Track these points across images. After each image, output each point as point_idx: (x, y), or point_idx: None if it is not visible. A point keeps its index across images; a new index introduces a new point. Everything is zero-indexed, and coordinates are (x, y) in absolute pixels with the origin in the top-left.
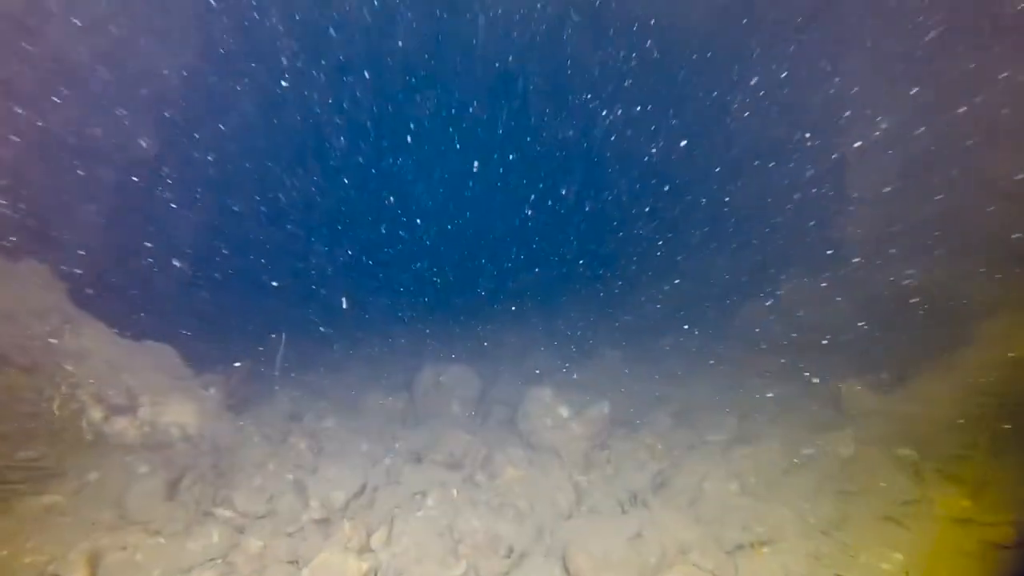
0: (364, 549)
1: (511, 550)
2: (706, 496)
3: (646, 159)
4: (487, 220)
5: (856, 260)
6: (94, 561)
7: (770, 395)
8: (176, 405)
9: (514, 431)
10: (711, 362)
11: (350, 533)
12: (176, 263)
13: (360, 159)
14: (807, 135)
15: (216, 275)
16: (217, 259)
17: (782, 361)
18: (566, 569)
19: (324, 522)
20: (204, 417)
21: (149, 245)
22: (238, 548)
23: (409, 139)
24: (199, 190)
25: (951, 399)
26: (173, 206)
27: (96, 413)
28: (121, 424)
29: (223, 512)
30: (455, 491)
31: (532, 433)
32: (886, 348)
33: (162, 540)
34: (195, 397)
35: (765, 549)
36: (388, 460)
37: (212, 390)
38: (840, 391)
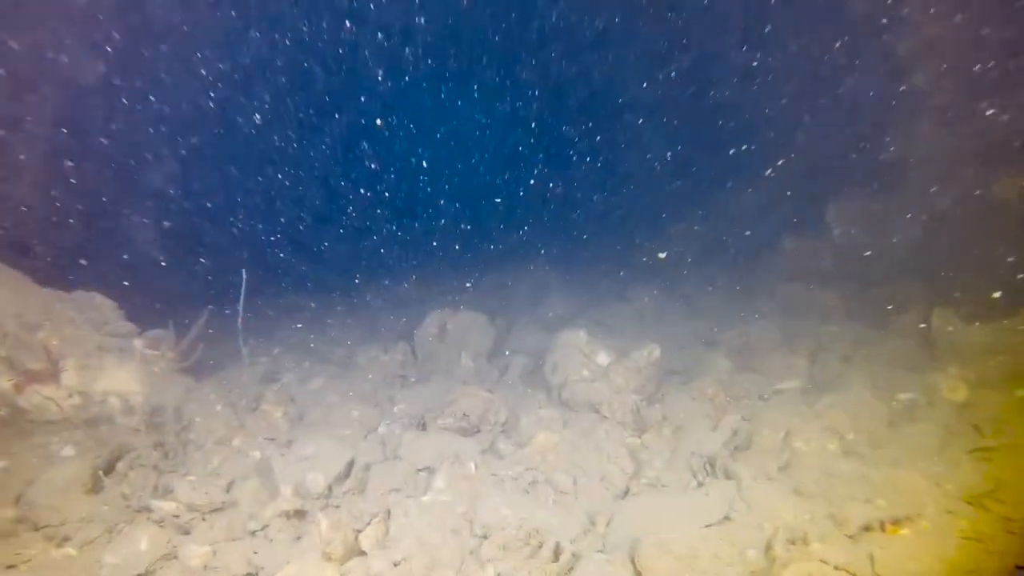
0: (351, 554)
1: (557, 549)
2: (801, 459)
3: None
4: (496, 165)
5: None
6: None
7: (834, 329)
8: (114, 369)
9: (541, 385)
10: (757, 300)
11: (331, 531)
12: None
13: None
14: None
15: (171, 215)
16: (174, 197)
17: (841, 294)
18: (638, 574)
19: (297, 516)
20: (151, 383)
21: (73, 181)
22: (173, 560)
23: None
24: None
25: None
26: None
27: (3, 382)
28: (40, 395)
29: (163, 506)
30: (473, 465)
31: (564, 387)
32: (965, 272)
33: (71, 551)
34: (139, 358)
35: (903, 530)
36: (384, 428)
37: (162, 349)
38: (929, 322)
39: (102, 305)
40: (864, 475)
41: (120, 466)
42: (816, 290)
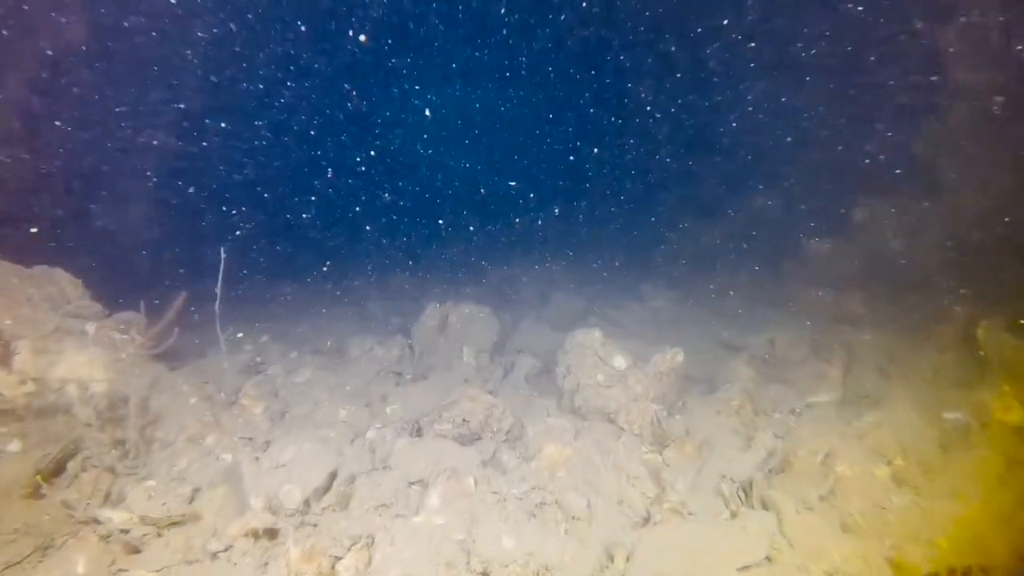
0: None
1: None
2: (846, 487)
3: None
4: (506, 153)
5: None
6: None
7: (867, 338)
8: (74, 354)
9: (550, 389)
10: (780, 304)
11: (302, 562)
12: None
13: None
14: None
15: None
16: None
17: (869, 300)
18: None
19: (267, 535)
20: (116, 370)
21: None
22: None
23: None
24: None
25: None
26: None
27: None
28: None
29: (112, 517)
30: (472, 481)
31: (577, 392)
32: (1003, 280)
33: None
34: (105, 342)
35: None
36: (373, 432)
37: (132, 333)
38: (973, 334)
39: (64, 282)
40: (921, 509)
41: (71, 466)
42: (844, 295)
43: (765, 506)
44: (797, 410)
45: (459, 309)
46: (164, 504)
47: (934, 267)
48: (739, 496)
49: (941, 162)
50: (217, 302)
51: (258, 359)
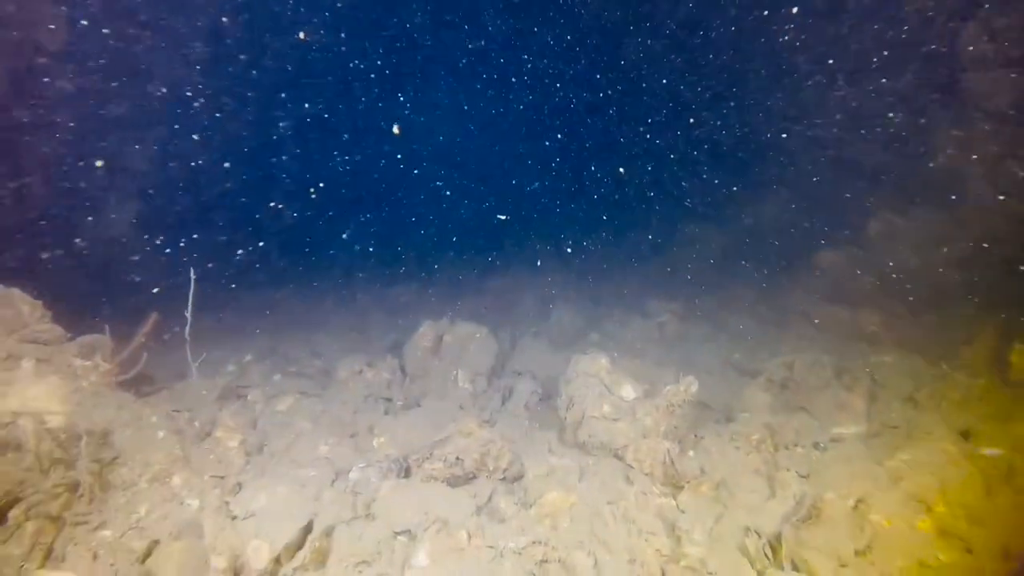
0: None
1: None
2: (885, 542)
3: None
4: (502, 158)
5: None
6: None
7: (888, 360)
8: (29, 384)
9: (552, 419)
10: (792, 321)
11: None
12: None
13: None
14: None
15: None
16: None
17: (887, 318)
18: None
19: None
20: (77, 401)
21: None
22: None
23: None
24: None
25: None
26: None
27: None
28: None
29: None
30: (465, 534)
31: (581, 425)
32: None
33: None
34: (63, 370)
35: None
36: (357, 472)
37: (96, 358)
38: (1005, 357)
39: (21, 304)
40: (973, 571)
41: (14, 514)
42: (860, 312)
43: (796, 567)
44: (821, 444)
45: (455, 329)
46: (112, 565)
47: (956, 283)
48: (766, 554)
49: (963, 170)
50: (187, 327)
51: (239, 383)
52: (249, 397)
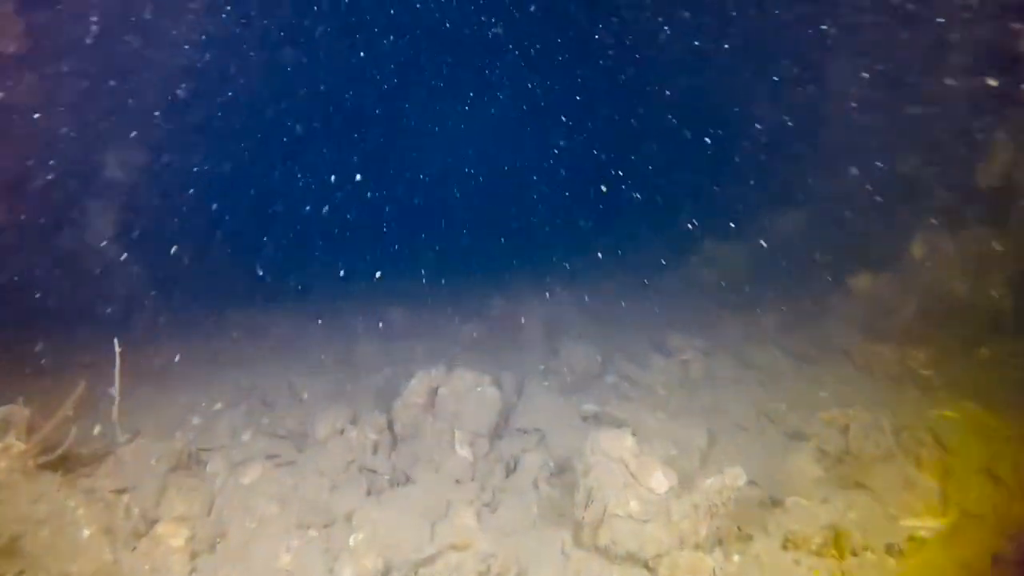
0: None
1: None
2: None
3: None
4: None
5: None
6: None
7: (952, 416)
8: None
9: (565, 503)
10: (830, 360)
11: None
12: None
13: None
14: None
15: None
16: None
17: (937, 356)
18: None
19: None
20: None
21: None
22: None
23: None
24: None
25: None
26: None
27: None
28: None
29: None
30: None
31: (603, 526)
32: None
33: None
34: None
35: None
36: None
37: (10, 436)
38: None
39: None
40: None
41: None
42: (906, 349)
43: None
44: (896, 546)
45: (452, 379)
46: None
47: (1011, 311)
48: None
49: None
50: (115, 407)
51: (201, 444)
52: (209, 468)
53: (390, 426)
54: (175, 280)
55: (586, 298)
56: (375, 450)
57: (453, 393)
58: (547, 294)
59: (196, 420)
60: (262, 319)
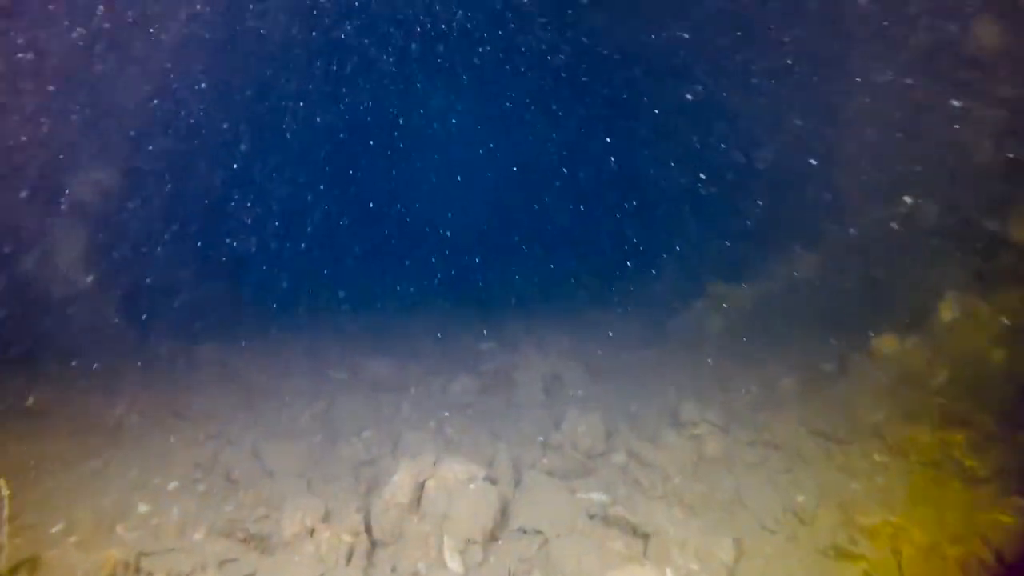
0: None
1: None
2: None
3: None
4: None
5: None
6: None
7: (1008, 522)
8: None
9: None
10: (860, 438)
11: None
12: None
13: None
14: None
15: None
16: None
17: (978, 439)
18: None
19: None
20: None
21: None
22: None
23: None
24: None
25: None
26: None
27: None
28: None
29: None
30: None
31: None
32: None
33: None
34: None
35: None
36: None
37: None
38: None
39: None
40: None
41: None
42: (941, 432)
43: None
44: None
45: (440, 473)
46: None
47: None
48: None
49: None
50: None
51: (143, 549)
52: None
53: (367, 528)
54: (142, 308)
55: (588, 350)
56: (349, 558)
57: (442, 488)
58: (543, 342)
59: (143, 507)
60: (235, 360)
